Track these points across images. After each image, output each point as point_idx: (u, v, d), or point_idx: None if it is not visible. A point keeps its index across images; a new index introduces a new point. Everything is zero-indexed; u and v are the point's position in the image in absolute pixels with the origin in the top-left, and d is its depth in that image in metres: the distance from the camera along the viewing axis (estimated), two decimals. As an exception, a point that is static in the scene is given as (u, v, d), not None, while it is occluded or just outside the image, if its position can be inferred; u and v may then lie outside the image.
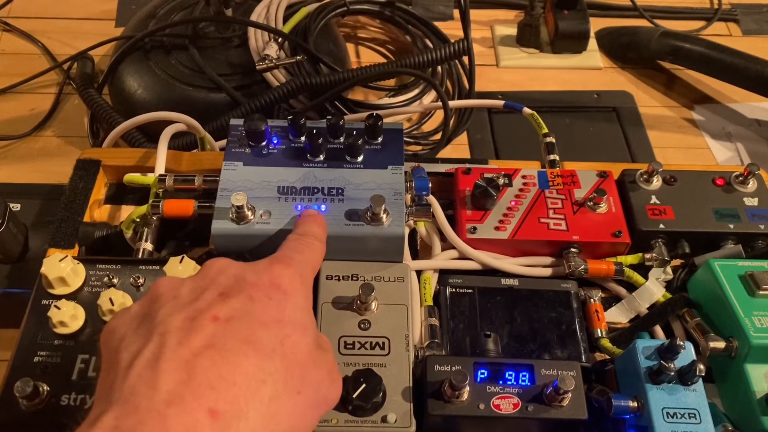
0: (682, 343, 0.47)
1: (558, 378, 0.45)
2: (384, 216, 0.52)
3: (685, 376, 0.47)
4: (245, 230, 0.52)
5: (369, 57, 1.01)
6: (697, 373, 0.47)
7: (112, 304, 0.50)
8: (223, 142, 0.70)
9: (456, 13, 1.08)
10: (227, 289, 0.36)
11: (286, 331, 0.35)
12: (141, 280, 0.53)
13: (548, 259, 0.60)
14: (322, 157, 0.57)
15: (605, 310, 0.58)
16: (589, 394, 0.48)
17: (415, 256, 0.61)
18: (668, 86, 1.01)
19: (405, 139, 0.85)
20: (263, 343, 0.34)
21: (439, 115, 0.93)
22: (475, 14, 1.05)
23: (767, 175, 0.65)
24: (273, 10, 0.89)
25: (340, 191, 0.54)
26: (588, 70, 1.02)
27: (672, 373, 0.47)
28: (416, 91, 0.91)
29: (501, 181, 0.61)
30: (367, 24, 1.05)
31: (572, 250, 0.59)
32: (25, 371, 0.48)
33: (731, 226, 0.60)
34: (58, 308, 0.49)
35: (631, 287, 0.60)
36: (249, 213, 0.52)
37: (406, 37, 0.99)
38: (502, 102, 0.77)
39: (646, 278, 0.59)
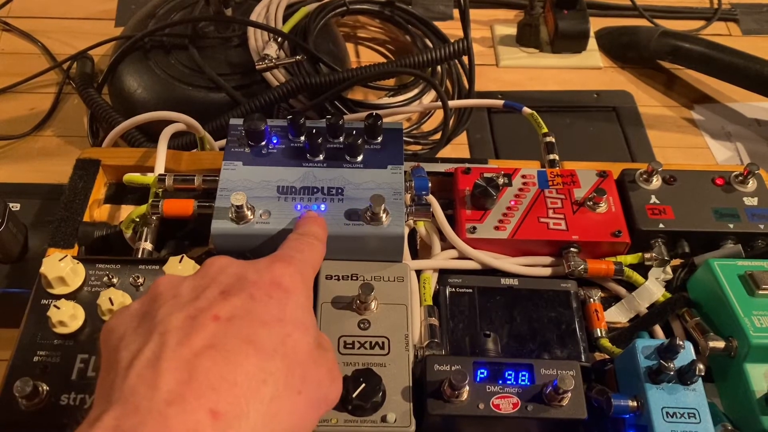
0: (681, 342, 0.47)
1: (557, 378, 0.46)
2: (384, 216, 0.52)
3: (684, 376, 0.47)
4: (245, 230, 0.52)
5: (369, 57, 1.01)
6: (697, 373, 0.47)
7: (112, 304, 0.50)
8: (223, 142, 0.70)
9: (456, 12, 1.08)
10: (228, 287, 0.36)
11: (287, 330, 0.35)
12: (141, 280, 0.53)
13: (548, 259, 0.60)
14: (321, 157, 0.57)
15: (605, 309, 0.59)
16: (589, 394, 0.48)
17: (414, 255, 0.61)
18: (668, 86, 1.01)
19: (405, 138, 0.85)
20: (264, 342, 0.34)
21: (438, 115, 0.93)
22: (474, 14, 1.05)
23: (767, 174, 0.65)
24: (273, 9, 0.89)
25: (339, 191, 0.54)
26: (588, 70, 1.02)
27: (671, 373, 0.47)
28: (416, 91, 0.91)
29: (500, 180, 0.61)
30: (367, 24, 1.05)
31: (572, 249, 0.59)
32: (25, 371, 0.48)
33: (731, 225, 0.60)
34: (58, 308, 0.49)
35: (631, 287, 0.60)
36: (248, 213, 0.52)
37: (406, 36, 0.99)
38: (501, 102, 0.77)
39: (646, 278, 0.59)
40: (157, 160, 0.63)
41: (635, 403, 0.47)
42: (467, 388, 0.46)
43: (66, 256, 0.52)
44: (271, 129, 0.58)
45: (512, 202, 0.61)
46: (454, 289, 0.58)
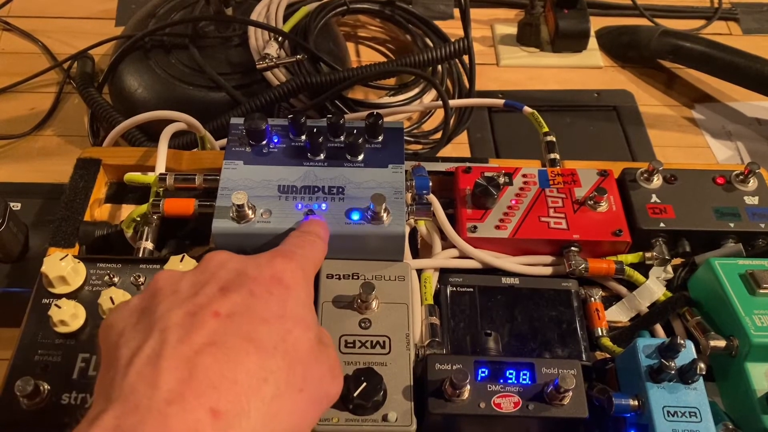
0: (682, 341, 0.47)
1: (559, 377, 0.45)
2: (384, 215, 0.52)
3: (685, 375, 0.47)
4: (246, 229, 0.52)
5: (369, 56, 1.01)
6: (698, 372, 0.47)
7: (113, 303, 0.50)
8: (224, 141, 0.70)
9: (456, 12, 1.08)
10: (228, 283, 0.36)
11: (287, 326, 0.35)
12: (141, 279, 0.53)
13: (549, 258, 0.60)
14: (322, 156, 0.57)
15: (606, 308, 0.58)
16: (590, 393, 0.48)
17: (415, 255, 0.61)
18: (668, 85, 1.01)
19: (405, 138, 0.85)
20: (265, 339, 0.34)
21: (439, 114, 0.93)
22: (475, 13, 1.05)
23: (767, 174, 0.65)
24: (273, 9, 0.89)
25: (340, 190, 0.54)
26: (588, 69, 1.02)
27: (672, 372, 0.47)
28: (416, 90, 0.91)
29: (501, 179, 0.61)
30: (367, 23, 1.05)
31: (573, 248, 0.59)
32: (26, 370, 0.48)
33: (732, 224, 0.60)
34: (59, 307, 0.49)
35: (632, 286, 0.60)
36: (249, 212, 0.52)
37: (407, 36, 0.99)
38: (502, 101, 0.77)
39: (647, 277, 0.59)
40: (157, 160, 0.63)
41: (636, 402, 0.47)
42: (468, 387, 0.46)
43: (67, 255, 0.52)
44: (272, 128, 0.58)
45: (513, 202, 0.61)
46: (455, 288, 0.58)
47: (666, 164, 0.63)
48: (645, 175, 0.63)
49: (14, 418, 0.46)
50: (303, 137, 0.58)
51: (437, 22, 0.97)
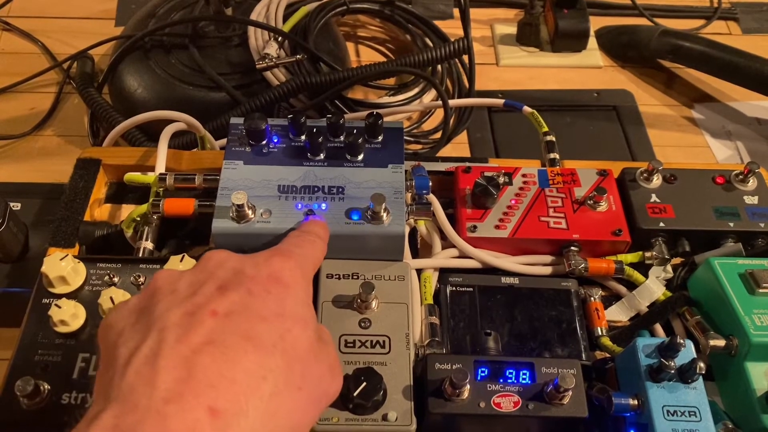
0: (682, 341, 0.47)
1: (558, 376, 0.46)
2: (384, 215, 0.52)
3: (685, 374, 0.47)
4: (246, 229, 0.52)
5: (369, 56, 1.01)
6: (698, 371, 0.47)
7: (113, 303, 0.50)
8: (224, 141, 0.70)
9: (456, 11, 1.08)
10: (226, 282, 0.36)
11: (286, 325, 0.35)
12: (141, 279, 0.53)
13: (548, 258, 0.60)
14: (322, 156, 0.57)
15: (605, 308, 0.59)
16: (590, 392, 0.48)
17: (415, 254, 0.61)
18: (668, 85, 1.01)
19: (405, 137, 0.85)
20: (263, 338, 0.34)
21: (439, 114, 0.93)
22: (474, 13, 1.05)
23: (767, 173, 0.65)
24: (273, 9, 0.89)
25: (340, 190, 0.54)
26: (588, 69, 1.02)
27: (672, 371, 0.47)
28: (416, 90, 0.91)
29: (501, 179, 0.61)
30: (367, 23, 1.05)
31: (572, 248, 0.59)
32: (26, 370, 0.48)
33: (731, 224, 0.60)
34: (59, 307, 0.49)
35: (632, 285, 0.60)
36: (249, 212, 0.52)
37: (406, 36, 0.99)
38: (502, 101, 0.77)
39: (647, 276, 0.59)
40: (157, 160, 0.63)
41: (636, 402, 0.47)
42: (468, 386, 0.46)
43: (67, 255, 0.52)
44: (272, 128, 0.58)
45: (513, 201, 0.61)
46: (454, 288, 0.58)
47: (666, 164, 0.63)
48: (645, 174, 0.63)
49: (14, 417, 0.46)
50: (303, 137, 0.58)
51: (437, 22, 0.97)
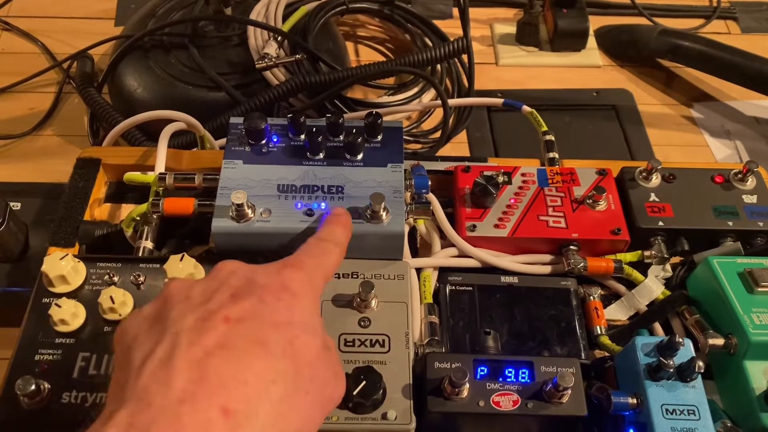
0: (681, 340, 0.47)
1: (557, 375, 0.46)
2: (384, 214, 0.52)
3: (684, 373, 0.47)
4: (245, 228, 0.52)
5: (368, 55, 1.02)
6: (696, 370, 0.47)
7: (113, 303, 0.50)
8: (223, 141, 0.70)
9: (455, 11, 1.08)
10: (238, 290, 0.37)
11: (295, 332, 0.36)
12: (141, 279, 0.53)
13: (548, 257, 0.60)
14: (321, 156, 0.57)
15: (605, 307, 0.59)
16: (589, 391, 0.49)
17: (414, 253, 0.61)
18: (667, 84, 1.01)
19: (405, 137, 0.85)
20: (273, 343, 0.34)
21: (438, 114, 0.93)
22: (474, 12, 1.05)
23: (766, 172, 0.65)
24: (272, 8, 0.89)
25: (339, 189, 0.55)
26: (587, 68, 1.02)
27: (671, 370, 0.47)
28: (416, 90, 0.91)
29: (500, 179, 0.61)
30: (367, 22, 1.05)
31: (571, 247, 0.59)
32: (26, 369, 0.48)
33: (730, 223, 0.60)
34: (59, 306, 0.49)
35: (631, 284, 0.60)
36: (249, 211, 0.52)
37: (406, 35, 0.99)
38: (501, 100, 0.77)
39: (646, 275, 0.59)
40: (157, 159, 0.63)
41: (635, 401, 0.47)
42: (467, 385, 0.46)
43: (67, 254, 0.52)
44: (271, 128, 0.58)
45: (512, 201, 0.61)
46: (454, 287, 0.58)
47: (665, 163, 0.63)
48: (644, 174, 0.63)
49: (15, 417, 0.46)
50: (302, 136, 0.58)
51: (436, 22, 0.98)
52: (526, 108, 0.72)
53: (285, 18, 0.89)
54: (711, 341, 0.52)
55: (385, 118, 0.59)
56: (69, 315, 0.49)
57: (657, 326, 0.58)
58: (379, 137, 0.58)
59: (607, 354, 0.55)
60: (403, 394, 0.48)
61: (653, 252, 0.60)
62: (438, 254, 0.59)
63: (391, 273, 0.54)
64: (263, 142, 0.57)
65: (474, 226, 0.59)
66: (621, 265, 0.59)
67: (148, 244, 0.58)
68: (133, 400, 0.31)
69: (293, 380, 0.34)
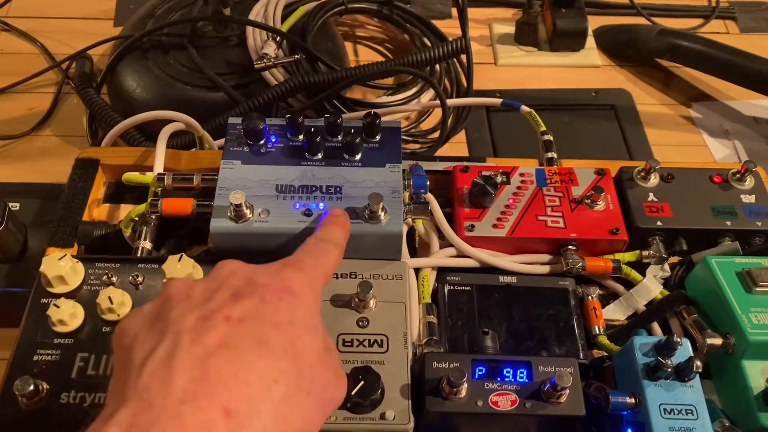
0: (678, 339, 0.47)
1: (555, 375, 0.46)
2: (382, 214, 0.52)
3: (682, 373, 0.47)
4: (244, 229, 0.52)
5: (367, 55, 1.02)
6: (694, 370, 0.47)
7: (111, 303, 0.50)
8: (222, 141, 0.70)
9: (454, 11, 1.08)
10: (239, 290, 0.37)
11: (297, 332, 0.36)
12: (140, 279, 0.53)
13: (546, 257, 0.60)
14: (320, 156, 0.57)
15: (603, 307, 0.59)
16: (587, 391, 0.49)
17: (413, 253, 0.61)
18: (666, 84, 1.01)
19: (403, 137, 0.85)
20: (275, 343, 0.34)
21: (437, 114, 0.93)
22: (473, 12, 1.05)
23: (764, 172, 0.65)
24: (271, 9, 0.89)
25: (338, 189, 0.55)
26: (586, 68, 1.02)
27: (669, 370, 0.47)
28: (414, 90, 0.91)
29: (499, 179, 0.61)
30: (366, 23, 1.05)
31: (570, 247, 0.59)
32: (25, 370, 0.48)
33: (728, 223, 0.61)
34: (58, 307, 0.49)
35: (629, 284, 0.60)
36: (247, 211, 0.52)
37: (405, 35, 0.99)
38: (500, 100, 0.77)
39: (644, 275, 0.60)
40: (156, 160, 0.63)
41: (633, 400, 0.47)
42: (465, 385, 0.46)
43: (65, 255, 0.52)
44: (270, 128, 0.58)
45: (510, 201, 0.61)
46: (452, 287, 0.58)
47: (663, 163, 0.63)
48: (642, 173, 0.63)
49: (13, 417, 0.46)
50: (301, 137, 0.58)
51: (435, 22, 0.98)
52: (524, 108, 0.72)
53: (284, 18, 0.89)
54: (709, 341, 0.52)
55: (384, 118, 0.59)
56: (67, 315, 0.49)
57: (655, 326, 0.58)
58: (378, 137, 0.58)
59: (605, 354, 0.55)
60: (401, 394, 0.48)
61: (651, 252, 0.60)
62: (436, 254, 0.59)
63: (390, 273, 0.54)
64: (261, 142, 0.57)
65: (472, 226, 0.59)
66: (619, 264, 0.59)
67: (147, 245, 0.58)
68: (134, 400, 0.31)
69: (295, 380, 0.34)
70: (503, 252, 0.60)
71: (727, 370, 0.53)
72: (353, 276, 0.54)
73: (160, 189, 0.60)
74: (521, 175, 0.63)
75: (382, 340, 0.50)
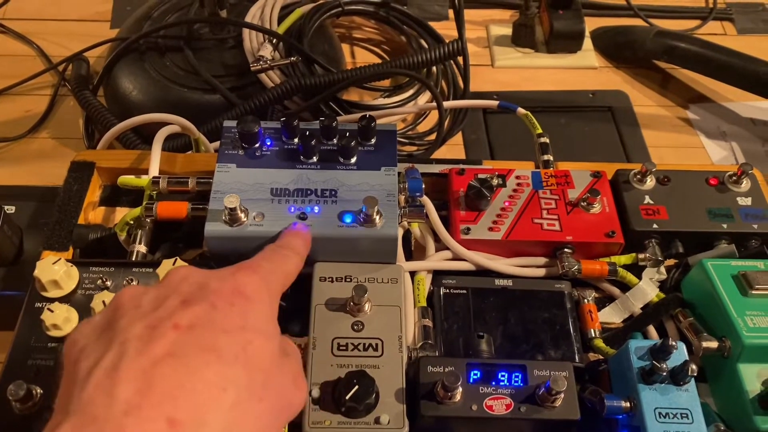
0: (674, 343, 0.47)
1: (550, 379, 0.46)
2: (377, 217, 0.52)
3: (677, 376, 0.47)
4: (238, 232, 0.52)
5: (364, 58, 1.01)
6: (689, 374, 0.47)
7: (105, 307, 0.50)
8: (218, 144, 0.70)
9: (451, 13, 1.08)
10: (189, 296, 0.36)
11: (248, 337, 0.35)
12: (134, 283, 0.53)
13: (542, 260, 0.60)
14: (315, 159, 0.57)
15: (599, 310, 0.59)
16: (582, 395, 0.49)
17: (409, 257, 0.61)
18: (663, 85, 1.01)
19: (400, 139, 0.85)
20: (225, 350, 0.34)
21: (434, 116, 0.93)
22: (469, 14, 1.05)
23: (760, 174, 0.65)
24: (267, 11, 0.89)
25: (333, 193, 0.54)
26: (583, 70, 1.02)
27: (664, 374, 0.47)
28: (411, 92, 0.91)
29: (494, 181, 0.61)
30: (362, 24, 1.05)
31: (566, 250, 0.59)
32: (19, 374, 0.48)
33: (724, 225, 0.61)
34: (52, 311, 0.49)
35: (625, 287, 0.60)
36: (242, 215, 0.52)
37: (401, 37, 0.99)
38: (496, 102, 0.77)
39: (640, 278, 0.59)
40: (151, 163, 0.63)
41: (628, 404, 0.47)
42: (460, 389, 0.46)
43: (59, 259, 0.52)
44: (265, 131, 0.58)
45: (506, 203, 0.61)
46: (448, 290, 0.58)
47: (660, 165, 0.63)
48: (638, 176, 0.63)
49: (7, 422, 0.46)
50: (296, 140, 0.58)
51: (432, 23, 0.97)
52: (520, 110, 0.72)
53: (280, 20, 0.89)
54: (705, 344, 0.52)
55: (380, 121, 0.59)
56: (61, 320, 0.49)
57: (651, 329, 0.58)
58: (373, 140, 0.58)
59: (601, 357, 0.55)
60: (396, 398, 0.48)
61: (648, 255, 0.60)
62: (432, 257, 0.59)
63: (385, 276, 0.54)
64: (257, 145, 0.57)
65: (468, 229, 0.59)
66: (615, 267, 0.59)
67: (142, 248, 0.58)
68: (77, 413, 0.30)
69: (246, 387, 0.33)
70: (499, 255, 0.60)
71: (723, 373, 0.53)
72: (348, 280, 0.53)
73: (155, 192, 0.60)
74: (517, 177, 0.63)
75: (377, 344, 0.50)
